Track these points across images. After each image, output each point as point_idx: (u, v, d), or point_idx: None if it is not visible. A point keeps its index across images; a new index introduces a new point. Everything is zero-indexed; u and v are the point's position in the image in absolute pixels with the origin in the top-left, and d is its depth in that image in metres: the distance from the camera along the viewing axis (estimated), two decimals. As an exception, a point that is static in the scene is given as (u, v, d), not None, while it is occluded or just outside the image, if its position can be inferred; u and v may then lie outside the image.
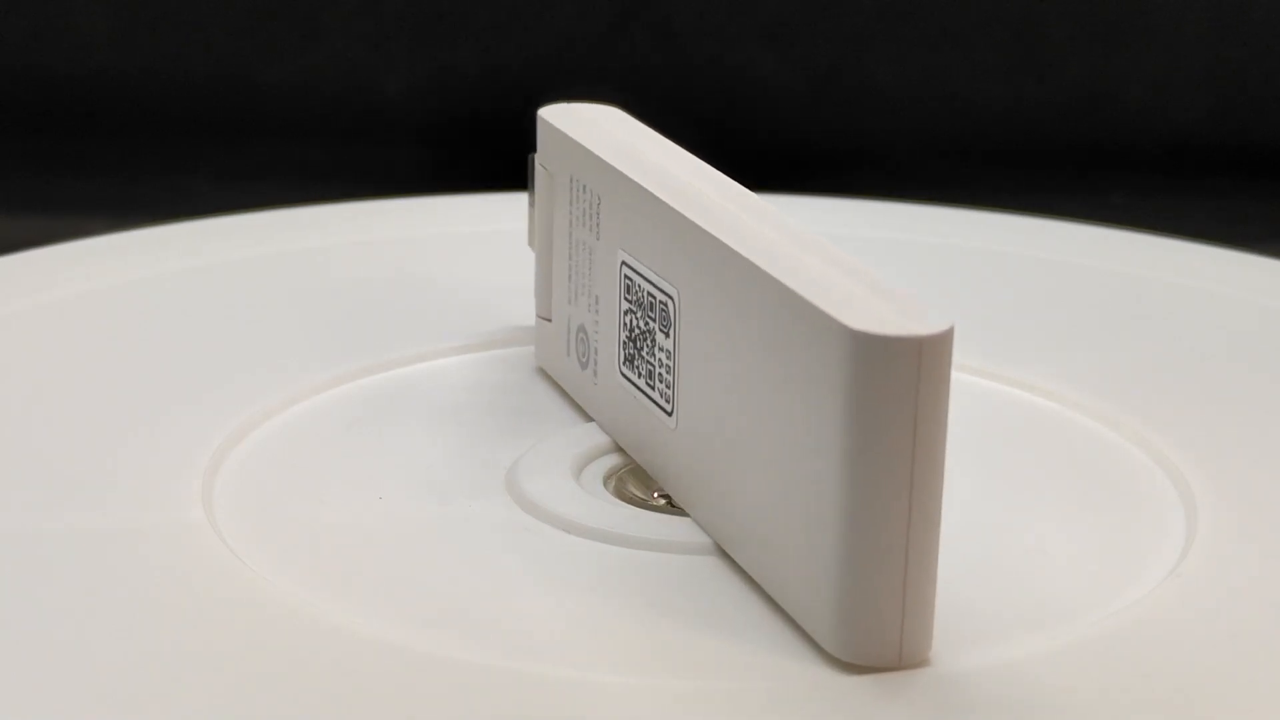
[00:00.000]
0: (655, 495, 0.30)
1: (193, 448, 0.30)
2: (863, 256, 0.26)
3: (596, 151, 0.30)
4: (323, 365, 0.33)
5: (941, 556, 0.24)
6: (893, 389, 0.23)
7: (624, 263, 0.29)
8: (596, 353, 0.30)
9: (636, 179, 0.29)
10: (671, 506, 0.29)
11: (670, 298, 0.28)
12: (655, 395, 0.29)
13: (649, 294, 0.28)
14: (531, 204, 0.33)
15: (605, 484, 0.30)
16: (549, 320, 0.32)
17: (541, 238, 0.32)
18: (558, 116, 0.32)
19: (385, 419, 0.31)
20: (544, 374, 0.33)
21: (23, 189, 0.59)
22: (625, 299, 0.29)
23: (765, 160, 0.60)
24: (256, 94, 0.61)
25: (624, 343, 0.29)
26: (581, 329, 0.31)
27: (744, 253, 0.25)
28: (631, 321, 0.29)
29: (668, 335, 0.28)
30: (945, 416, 0.23)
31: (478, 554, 0.28)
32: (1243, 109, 0.61)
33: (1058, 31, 0.61)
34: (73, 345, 0.34)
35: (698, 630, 0.25)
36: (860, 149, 0.61)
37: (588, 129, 0.31)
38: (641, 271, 0.29)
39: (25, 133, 0.60)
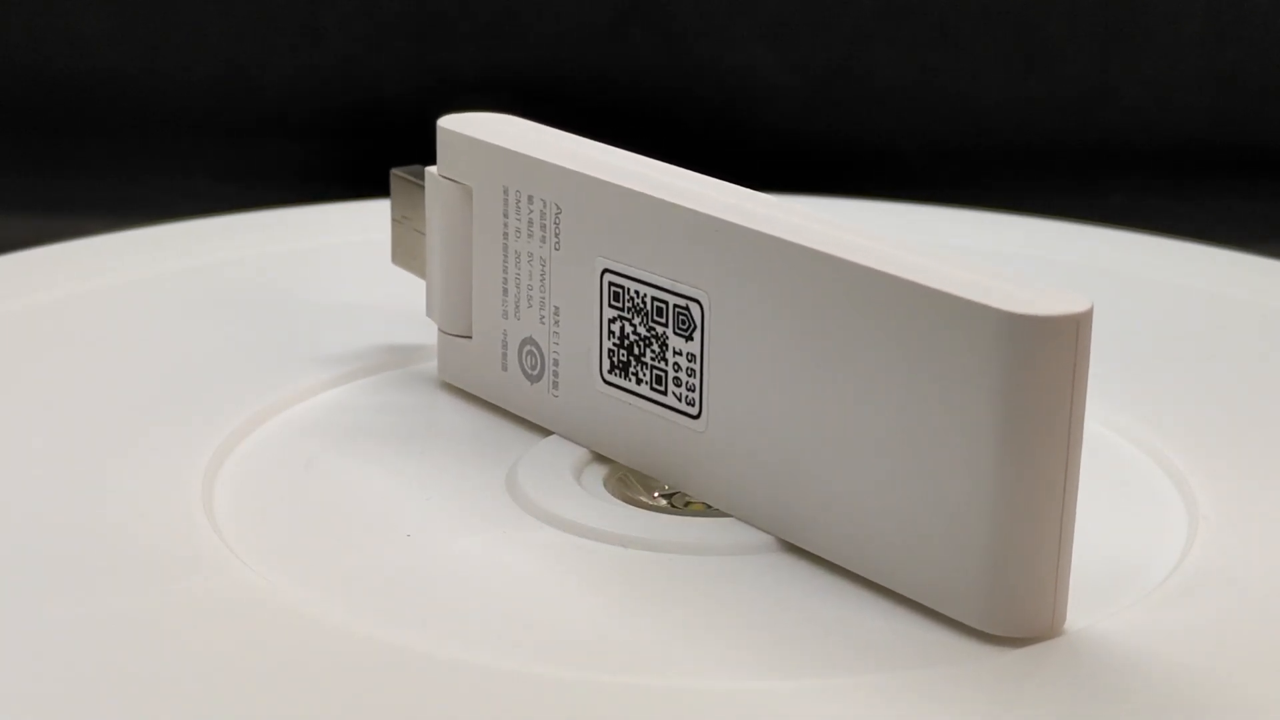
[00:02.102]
0: (655, 495, 0.30)
1: (194, 447, 0.30)
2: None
3: (554, 161, 0.29)
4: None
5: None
6: (1053, 367, 0.24)
7: (607, 270, 0.29)
8: (557, 364, 0.30)
9: (634, 188, 0.28)
10: (674, 506, 0.29)
11: (694, 300, 0.28)
12: (669, 399, 0.29)
13: (654, 299, 0.28)
14: (399, 219, 0.33)
15: (606, 487, 0.30)
16: (468, 337, 0.32)
17: (444, 253, 0.31)
18: (468, 126, 0.31)
19: (337, 453, 0.31)
20: (455, 389, 0.32)
21: (22, 189, 0.59)
22: (611, 306, 0.29)
23: (765, 160, 0.60)
24: (257, 94, 0.61)
25: (610, 351, 0.29)
26: (529, 342, 0.30)
27: (832, 252, 0.26)
28: (624, 329, 0.29)
29: (689, 339, 0.28)
30: (1086, 389, 0.24)
31: (480, 555, 0.28)
32: (1243, 109, 0.61)
33: (1057, 31, 0.61)
34: (71, 345, 0.34)
35: (770, 627, 0.26)
36: (860, 149, 0.61)
37: (520, 138, 0.30)
38: (640, 277, 0.29)
39: (24, 132, 0.60)
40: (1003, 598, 0.25)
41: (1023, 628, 0.25)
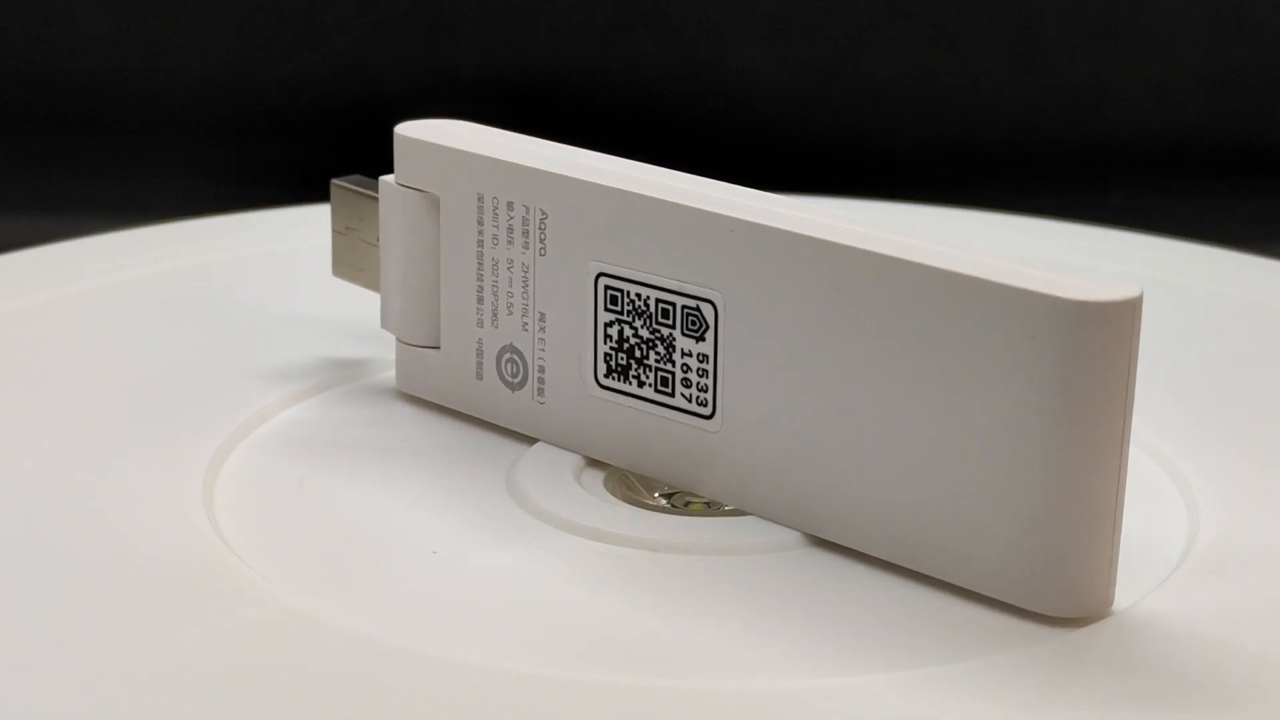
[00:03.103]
0: (655, 496, 0.30)
1: (194, 447, 0.30)
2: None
3: (541, 167, 0.29)
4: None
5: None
6: (1113, 350, 0.25)
7: (603, 274, 0.29)
8: (542, 371, 0.30)
9: (637, 191, 0.28)
10: (675, 507, 0.29)
11: (707, 301, 0.28)
12: (676, 401, 0.29)
13: (658, 301, 0.28)
14: (341, 230, 0.32)
15: (608, 489, 0.30)
16: (435, 347, 0.31)
17: (405, 263, 0.31)
18: (430, 133, 0.31)
19: (325, 473, 0.30)
20: (418, 401, 0.32)
21: (22, 189, 0.59)
22: (608, 310, 0.29)
23: (765, 160, 0.60)
24: (257, 94, 0.61)
25: (606, 355, 0.29)
26: (509, 349, 0.30)
27: (874, 249, 0.26)
28: (622, 332, 0.29)
29: (700, 339, 0.28)
30: (1137, 371, 0.25)
31: (511, 565, 0.28)
32: (1243, 109, 0.61)
33: (1057, 31, 0.61)
34: (71, 345, 0.34)
35: (791, 624, 0.26)
36: (860, 149, 0.61)
37: (493, 144, 0.30)
38: (642, 280, 0.28)
39: (25, 132, 0.60)
40: (1065, 579, 0.25)
41: (1080, 608, 0.26)
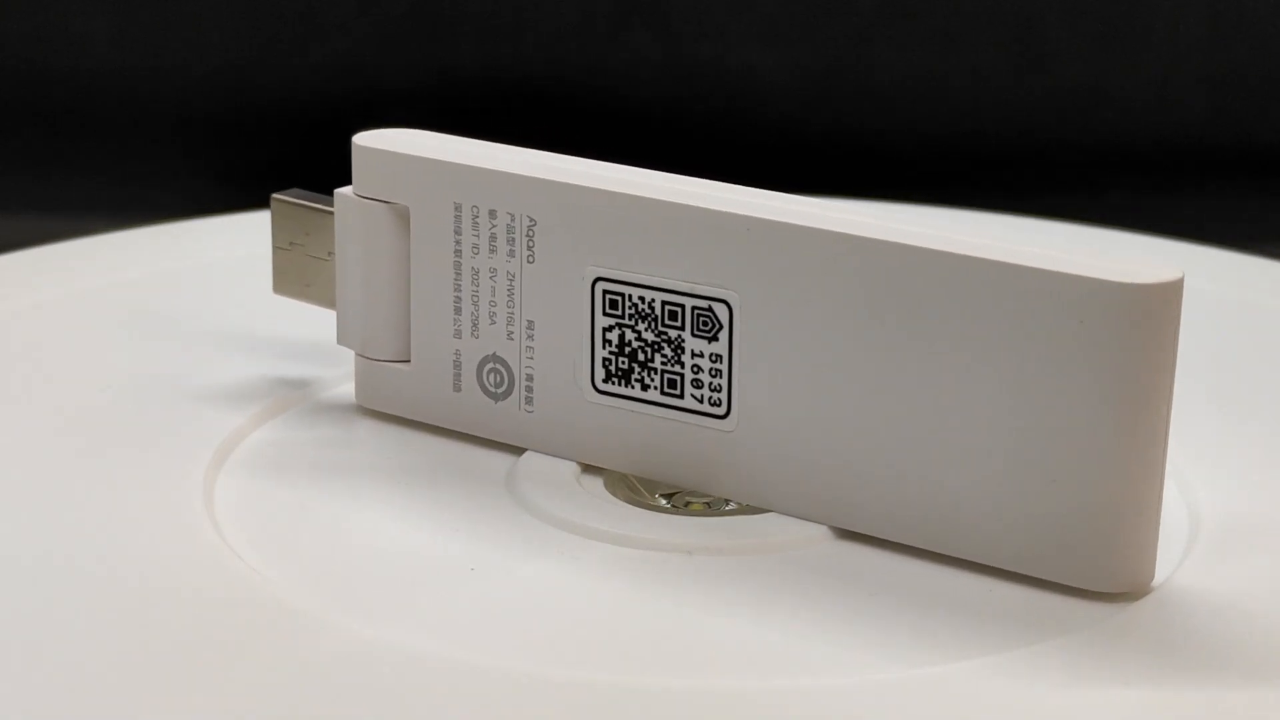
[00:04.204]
0: (656, 497, 0.30)
1: (194, 447, 0.30)
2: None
3: (529, 174, 0.29)
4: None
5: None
6: (1160, 331, 0.26)
7: (601, 279, 0.29)
8: (530, 380, 0.30)
9: (641, 194, 0.28)
10: (675, 507, 0.29)
11: (720, 301, 0.28)
12: (686, 402, 0.29)
13: (665, 303, 0.28)
14: (285, 246, 0.31)
15: (611, 492, 0.30)
16: (404, 361, 0.31)
17: (367, 277, 0.30)
18: (393, 143, 0.30)
19: (323, 495, 0.29)
20: (384, 416, 0.31)
21: (22, 189, 0.59)
22: (607, 315, 0.29)
23: (765, 160, 0.60)
24: (257, 94, 0.61)
25: (605, 360, 0.29)
26: (492, 359, 0.30)
27: (908, 242, 0.27)
28: (624, 336, 0.29)
29: (713, 339, 0.28)
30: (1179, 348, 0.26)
31: (486, 557, 0.28)
32: (1243, 109, 0.61)
33: (1057, 31, 0.61)
34: (71, 345, 0.34)
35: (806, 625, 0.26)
36: (860, 149, 0.61)
37: (467, 152, 0.30)
38: (647, 283, 0.28)
39: (25, 132, 0.60)
40: (1116, 556, 0.26)
41: (1129, 584, 0.26)
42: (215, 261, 0.39)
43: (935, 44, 0.61)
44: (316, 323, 0.33)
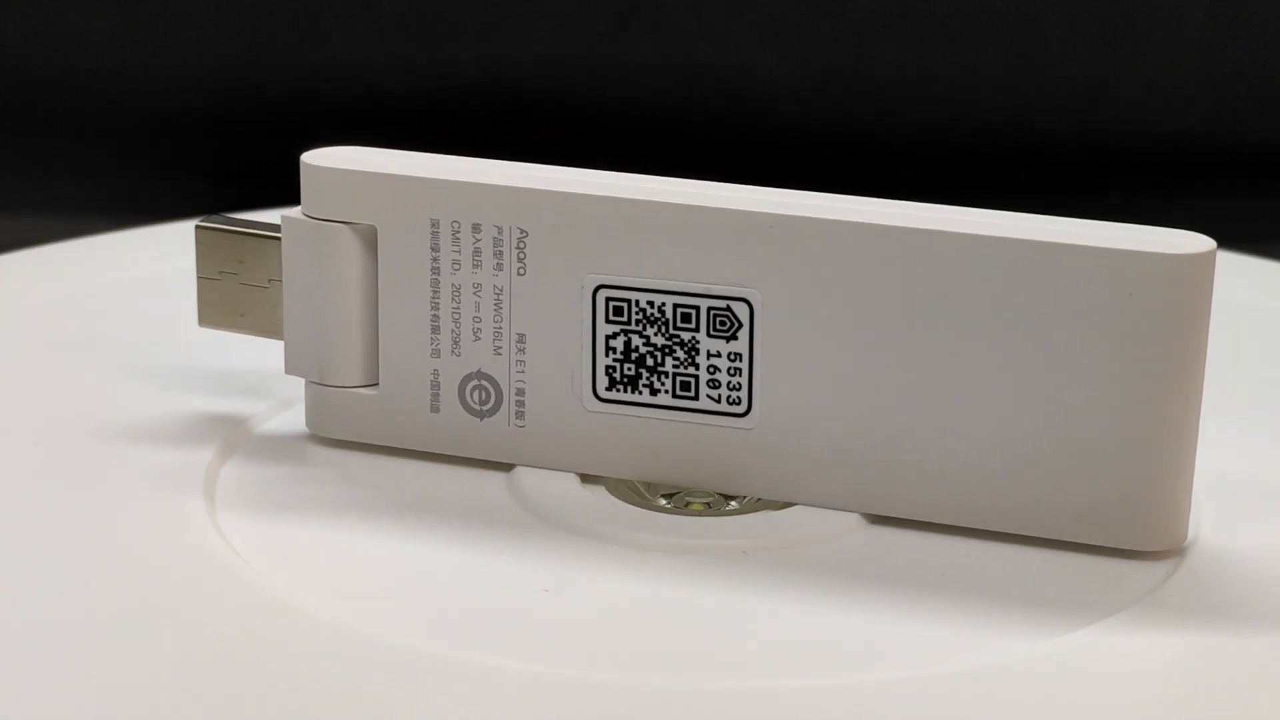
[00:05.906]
0: (657, 498, 0.30)
1: (194, 448, 0.30)
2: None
3: (519, 185, 0.28)
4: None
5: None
6: (1197, 297, 0.27)
7: (602, 286, 0.29)
8: (521, 394, 0.29)
9: (645, 198, 0.28)
10: (676, 508, 0.29)
11: (740, 300, 0.28)
12: (701, 403, 0.29)
13: (676, 306, 0.28)
14: (214, 276, 0.30)
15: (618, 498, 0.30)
16: (371, 385, 0.30)
17: (324, 302, 0.29)
18: (344, 161, 0.29)
19: (322, 532, 0.29)
20: (345, 444, 0.30)
21: (22, 189, 0.59)
22: (610, 322, 0.29)
23: (765, 160, 0.60)
24: (257, 94, 0.61)
25: (608, 368, 0.29)
26: (478, 376, 0.29)
27: (939, 228, 0.27)
28: (629, 342, 0.29)
29: (731, 339, 0.28)
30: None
31: (487, 558, 0.28)
32: (1243, 109, 0.61)
33: (1057, 31, 0.61)
34: (71, 345, 0.34)
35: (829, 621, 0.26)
36: (860, 149, 0.61)
37: (435, 167, 0.29)
38: (654, 287, 0.28)
39: (25, 132, 0.60)
40: (1158, 515, 0.27)
41: (1168, 541, 0.28)
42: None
43: (935, 44, 0.61)
44: (244, 353, 0.31)
